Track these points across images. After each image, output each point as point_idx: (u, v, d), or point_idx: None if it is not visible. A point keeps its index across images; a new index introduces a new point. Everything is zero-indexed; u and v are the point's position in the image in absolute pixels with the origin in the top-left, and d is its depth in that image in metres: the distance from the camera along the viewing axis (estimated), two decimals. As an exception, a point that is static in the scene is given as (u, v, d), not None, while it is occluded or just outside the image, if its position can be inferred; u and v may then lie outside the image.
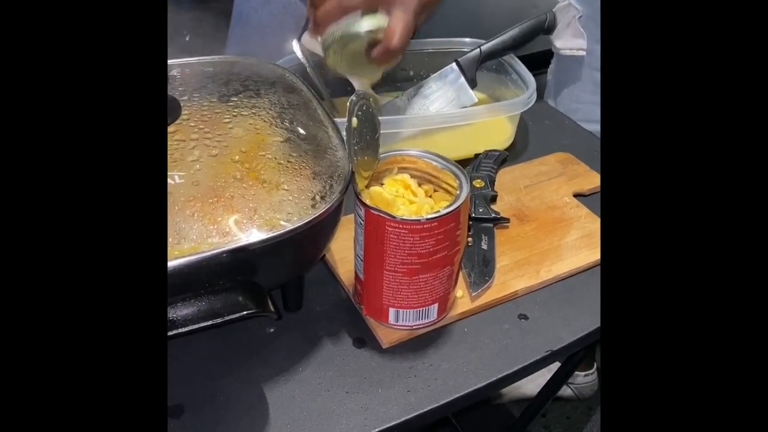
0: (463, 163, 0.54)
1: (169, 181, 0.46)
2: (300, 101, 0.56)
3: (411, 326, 0.53)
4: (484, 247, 0.61)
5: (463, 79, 0.75)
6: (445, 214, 0.47)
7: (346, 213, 0.50)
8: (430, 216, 0.47)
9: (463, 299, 0.56)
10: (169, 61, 0.57)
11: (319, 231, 0.48)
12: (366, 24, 0.62)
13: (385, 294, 0.51)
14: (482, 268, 0.59)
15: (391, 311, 0.52)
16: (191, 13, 0.78)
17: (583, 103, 0.87)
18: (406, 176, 0.53)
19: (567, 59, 0.86)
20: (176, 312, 0.42)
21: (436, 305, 0.52)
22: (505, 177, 0.71)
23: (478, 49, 0.76)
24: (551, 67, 0.94)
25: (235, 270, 0.44)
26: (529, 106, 0.73)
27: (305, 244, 0.49)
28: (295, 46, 0.75)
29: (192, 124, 0.50)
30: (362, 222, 0.49)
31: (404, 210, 0.51)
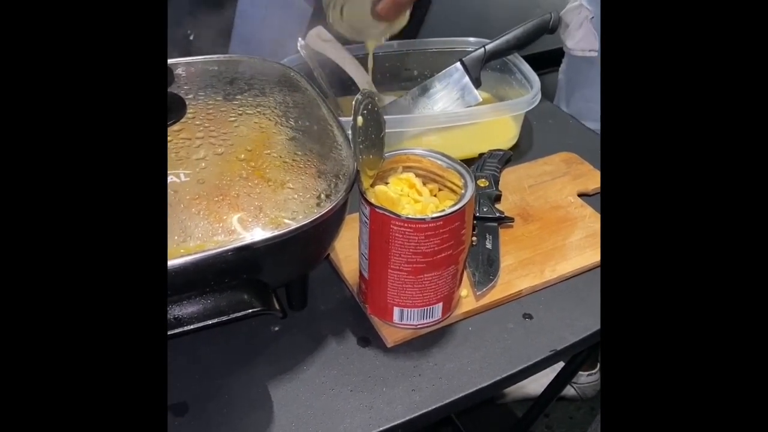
0: (467, 162, 0.54)
1: (175, 179, 0.46)
2: (305, 100, 0.56)
3: (415, 325, 0.53)
4: (489, 246, 0.61)
5: (467, 78, 0.75)
6: (450, 213, 0.47)
7: (350, 212, 0.50)
8: (435, 215, 0.47)
9: (467, 298, 0.56)
10: (174, 60, 0.58)
11: (324, 230, 0.48)
12: None
13: (389, 293, 0.51)
14: (486, 268, 0.59)
15: (396, 310, 0.52)
16: (195, 12, 0.78)
17: (595, 103, 0.87)
18: (411, 175, 0.53)
19: (578, 60, 0.86)
20: (181, 310, 0.42)
21: (441, 304, 0.52)
22: (510, 176, 0.71)
23: (483, 49, 0.76)
24: (562, 67, 0.95)
25: (240, 268, 0.45)
26: (534, 105, 0.72)
27: (310, 243, 0.49)
28: (300, 45, 0.75)
29: (197, 123, 0.50)
30: (367, 221, 0.49)
31: (409, 209, 0.51)
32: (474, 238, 0.61)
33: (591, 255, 0.61)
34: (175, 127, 0.49)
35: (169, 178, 0.46)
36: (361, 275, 0.54)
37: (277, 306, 0.45)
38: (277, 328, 0.54)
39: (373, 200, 0.49)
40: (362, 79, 0.78)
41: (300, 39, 0.75)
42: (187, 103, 0.52)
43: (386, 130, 0.53)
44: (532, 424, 1.10)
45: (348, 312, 0.56)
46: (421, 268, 0.49)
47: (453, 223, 0.48)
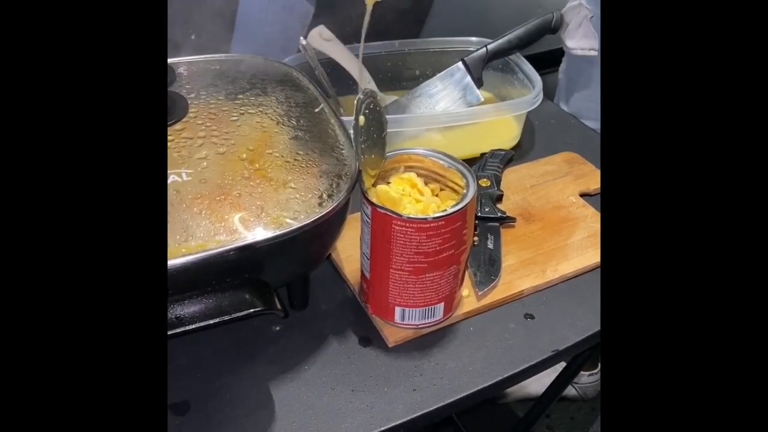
0: (469, 162, 0.54)
1: (177, 178, 0.46)
2: (306, 99, 0.56)
3: (417, 325, 0.53)
4: (490, 246, 0.61)
5: (469, 78, 0.75)
6: (451, 213, 0.47)
7: (352, 211, 0.50)
8: (436, 215, 0.47)
9: (469, 298, 0.56)
10: (176, 59, 0.58)
11: (326, 229, 0.48)
12: None
13: (391, 293, 0.51)
14: (488, 268, 0.58)
15: (397, 310, 0.52)
16: (197, 11, 0.78)
17: (595, 103, 0.87)
18: (412, 175, 0.53)
19: (579, 59, 0.86)
20: (183, 309, 0.42)
21: (442, 304, 0.52)
22: (511, 176, 0.71)
23: (485, 48, 0.76)
24: (562, 66, 0.94)
25: (242, 268, 0.44)
26: (536, 105, 0.72)
27: (312, 243, 0.49)
28: (302, 44, 0.75)
29: (199, 122, 0.50)
30: (369, 220, 0.49)
31: (411, 209, 0.51)
32: (476, 238, 0.61)
33: (592, 255, 0.61)
34: (177, 126, 0.49)
35: (171, 178, 0.46)
36: (362, 275, 0.54)
37: (278, 306, 0.45)
38: (278, 328, 0.54)
39: (374, 200, 0.49)
40: (364, 78, 0.78)
41: (302, 38, 0.75)
42: (189, 102, 0.52)
43: (388, 130, 0.53)
44: (534, 424, 1.10)
45: (349, 312, 0.56)
46: (422, 268, 0.49)
47: (455, 223, 0.48)
